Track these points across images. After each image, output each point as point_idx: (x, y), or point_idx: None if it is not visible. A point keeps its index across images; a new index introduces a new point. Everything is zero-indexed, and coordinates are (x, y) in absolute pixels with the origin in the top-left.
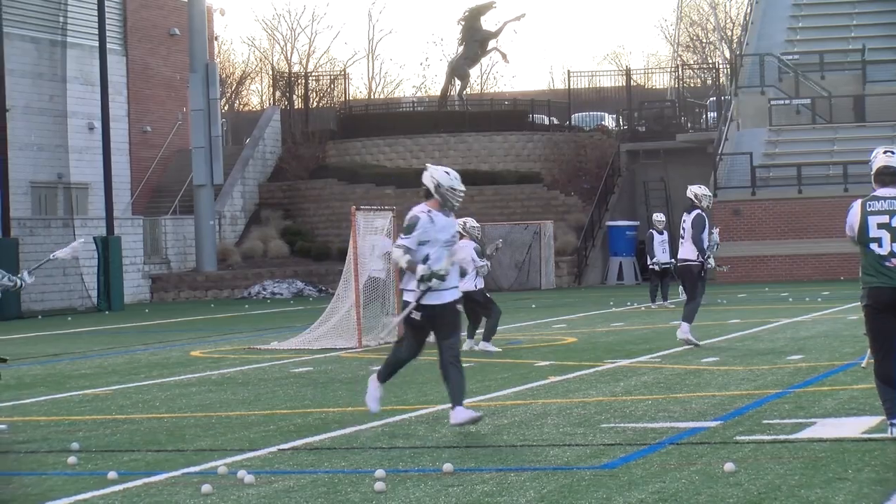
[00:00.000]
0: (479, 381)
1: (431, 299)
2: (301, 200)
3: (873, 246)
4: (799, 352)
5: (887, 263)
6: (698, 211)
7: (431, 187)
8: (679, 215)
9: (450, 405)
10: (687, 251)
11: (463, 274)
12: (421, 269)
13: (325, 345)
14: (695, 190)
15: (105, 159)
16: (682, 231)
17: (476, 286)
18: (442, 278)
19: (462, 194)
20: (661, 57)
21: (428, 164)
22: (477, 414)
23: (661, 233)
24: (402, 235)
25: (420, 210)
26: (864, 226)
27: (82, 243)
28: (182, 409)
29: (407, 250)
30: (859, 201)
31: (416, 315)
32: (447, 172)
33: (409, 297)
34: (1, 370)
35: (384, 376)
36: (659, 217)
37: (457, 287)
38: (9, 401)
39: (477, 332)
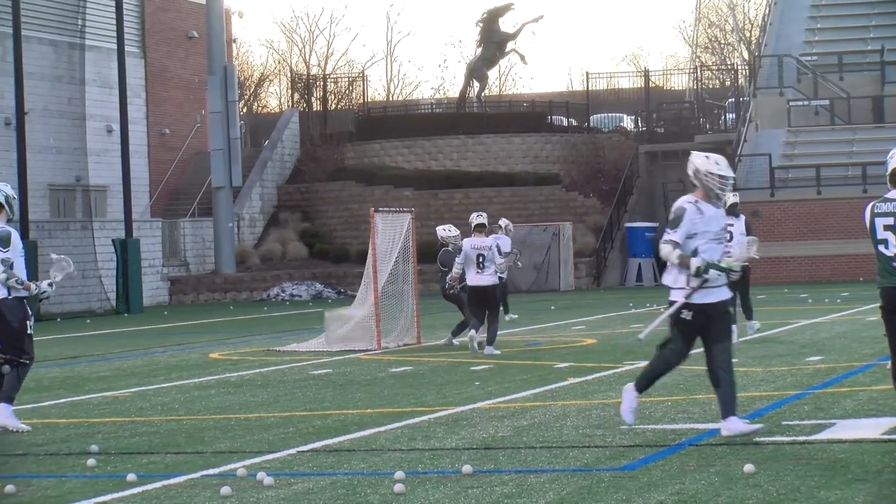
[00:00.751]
0: (498, 382)
1: (703, 297)
2: (319, 202)
3: (881, 247)
4: (818, 353)
5: (894, 264)
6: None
7: (691, 174)
8: None
9: (720, 417)
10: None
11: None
12: (696, 262)
13: (345, 346)
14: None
15: (123, 162)
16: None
17: (501, 279)
18: (724, 270)
19: (728, 181)
20: (679, 58)
21: (692, 151)
22: (756, 427)
23: None
24: (668, 230)
25: (686, 201)
26: (872, 227)
27: (59, 258)
28: (201, 411)
29: (675, 245)
30: (871, 203)
31: (687, 315)
32: (707, 157)
33: (678, 296)
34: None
35: (643, 385)
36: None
37: (726, 285)
38: (28, 403)
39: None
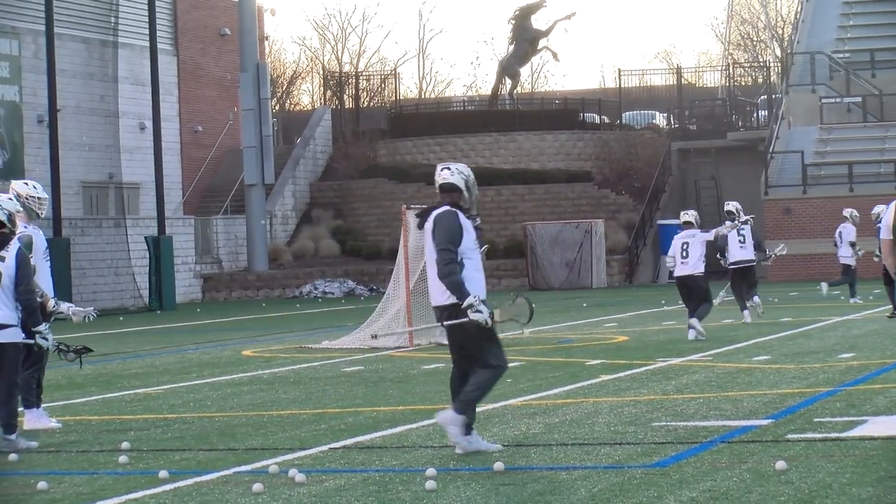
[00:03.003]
0: (529, 379)
1: None
2: (352, 200)
3: None
4: (850, 350)
5: None
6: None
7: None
8: None
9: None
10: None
11: None
12: None
13: (377, 343)
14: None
15: (156, 159)
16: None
17: None
18: None
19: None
20: (711, 55)
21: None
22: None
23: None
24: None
25: None
26: None
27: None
28: (233, 408)
29: None
30: (895, 201)
31: None
32: (26, 183)
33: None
34: (83, 361)
35: None
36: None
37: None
38: (60, 400)
39: None
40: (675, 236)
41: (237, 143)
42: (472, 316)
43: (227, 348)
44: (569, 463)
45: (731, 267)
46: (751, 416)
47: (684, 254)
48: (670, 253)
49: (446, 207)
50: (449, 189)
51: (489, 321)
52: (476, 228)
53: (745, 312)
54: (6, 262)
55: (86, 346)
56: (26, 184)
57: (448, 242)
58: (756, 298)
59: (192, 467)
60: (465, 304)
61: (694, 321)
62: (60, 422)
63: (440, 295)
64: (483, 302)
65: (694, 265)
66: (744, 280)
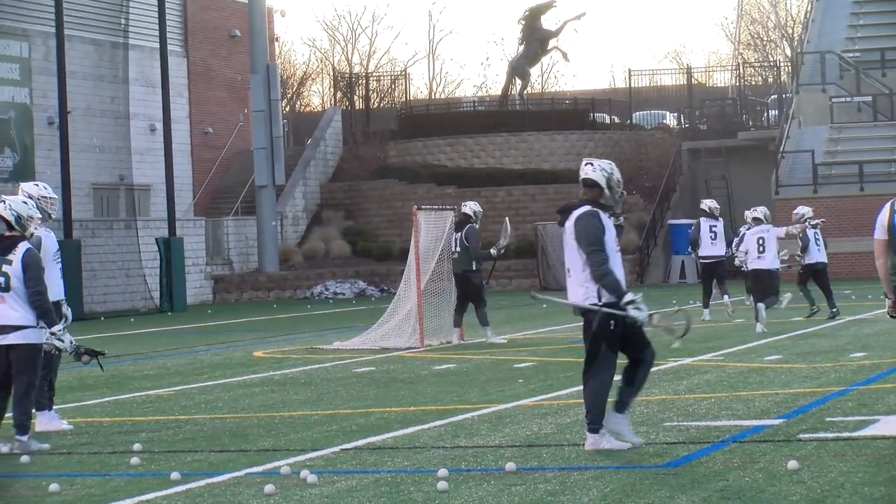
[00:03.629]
0: (541, 379)
1: None
2: (362, 200)
3: None
4: (862, 349)
5: None
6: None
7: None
8: (742, 214)
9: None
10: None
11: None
12: None
13: (387, 344)
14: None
15: (167, 161)
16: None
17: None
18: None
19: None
20: (721, 55)
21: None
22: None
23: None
24: None
25: None
26: (892, 225)
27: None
28: (245, 409)
29: None
30: (892, 201)
31: None
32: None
33: None
34: (101, 362)
35: None
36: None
37: None
38: (72, 402)
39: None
40: (747, 232)
41: (247, 145)
42: (632, 313)
43: (238, 349)
44: (580, 463)
45: (701, 262)
46: (762, 415)
47: (761, 249)
48: (743, 248)
49: (587, 207)
50: (590, 185)
51: (647, 321)
52: (618, 227)
53: (706, 311)
54: (13, 266)
55: (97, 349)
56: (36, 184)
57: (592, 244)
58: (727, 298)
59: (204, 469)
60: (625, 300)
61: (761, 307)
62: (72, 423)
63: (577, 294)
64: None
65: (771, 261)
66: (713, 275)
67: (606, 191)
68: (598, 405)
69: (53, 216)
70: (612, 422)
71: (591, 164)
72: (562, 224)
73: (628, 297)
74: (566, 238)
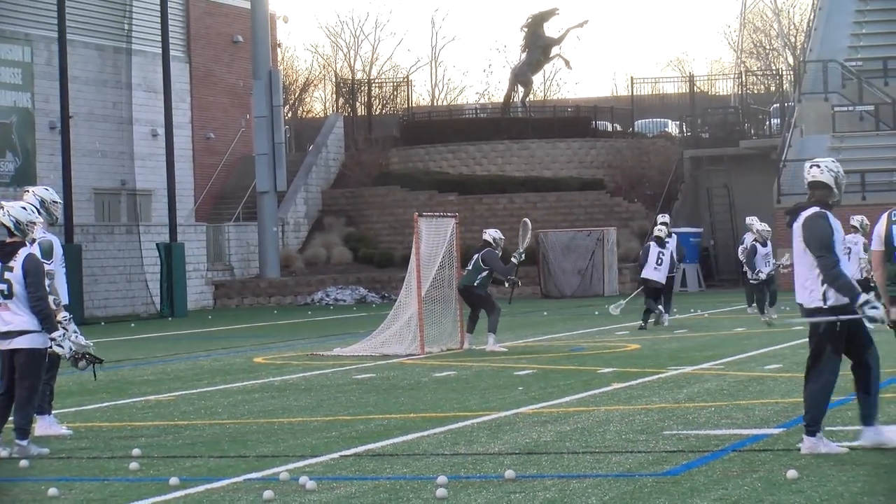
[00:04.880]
0: (541, 387)
1: None
2: (364, 207)
3: None
4: None
5: None
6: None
7: None
8: (744, 222)
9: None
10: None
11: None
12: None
13: (388, 351)
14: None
15: (168, 166)
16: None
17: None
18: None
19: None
20: (724, 63)
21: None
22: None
23: (764, 244)
24: None
25: None
26: (889, 236)
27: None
28: (244, 415)
29: None
30: (890, 210)
31: None
32: (46, 189)
33: None
34: (96, 371)
35: None
36: (765, 227)
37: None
38: (71, 407)
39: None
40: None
41: (249, 150)
42: (870, 313)
43: (238, 355)
44: (580, 471)
45: (645, 282)
46: (762, 424)
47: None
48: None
49: (815, 209)
50: (818, 186)
51: (885, 319)
52: None
53: (646, 324)
54: (14, 272)
55: (96, 356)
56: (47, 189)
57: (823, 248)
58: (665, 317)
59: (203, 474)
60: (860, 301)
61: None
62: (71, 428)
63: (804, 295)
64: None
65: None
66: (656, 294)
67: (835, 189)
68: (819, 406)
69: (57, 220)
70: (869, 436)
71: (818, 166)
72: (790, 225)
73: (862, 297)
74: (794, 240)
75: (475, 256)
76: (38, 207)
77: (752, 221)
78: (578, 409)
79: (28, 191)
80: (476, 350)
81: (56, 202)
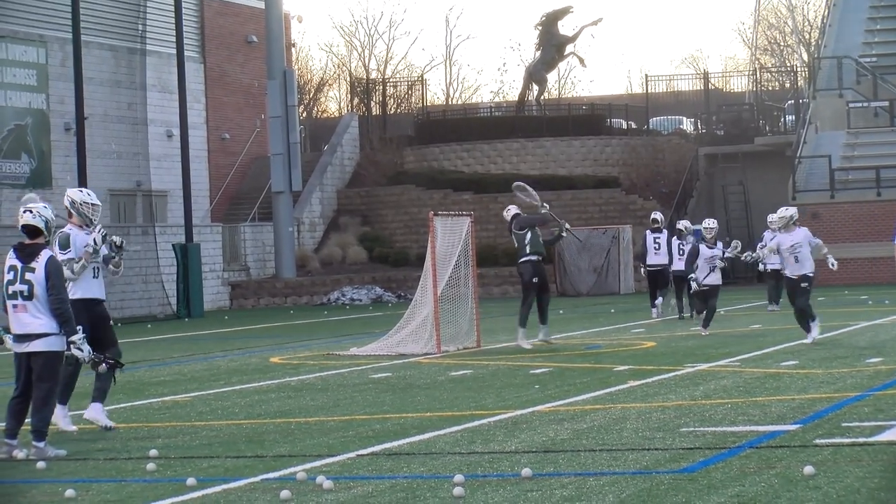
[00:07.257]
0: (558, 385)
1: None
2: (379, 206)
3: None
4: (878, 354)
5: None
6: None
7: (67, 205)
8: (759, 219)
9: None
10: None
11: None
12: None
13: (404, 350)
14: None
15: (184, 167)
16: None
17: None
18: None
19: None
20: (738, 60)
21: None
22: None
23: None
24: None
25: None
26: None
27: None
28: (261, 415)
29: None
30: None
31: None
32: (80, 190)
33: None
34: (115, 376)
35: None
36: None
37: None
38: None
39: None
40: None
41: (264, 151)
42: None
43: (254, 355)
44: (597, 469)
45: (649, 269)
46: (779, 421)
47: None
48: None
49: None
50: None
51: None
52: None
53: (654, 311)
54: (36, 273)
55: (117, 360)
56: (81, 191)
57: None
58: (659, 300)
59: (220, 474)
60: None
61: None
62: (88, 430)
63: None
64: None
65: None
66: (658, 280)
67: None
68: None
69: (95, 222)
70: None
71: None
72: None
73: None
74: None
75: (512, 235)
76: (69, 208)
77: (774, 219)
78: (595, 407)
79: (66, 193)
80: (493, 349)
81: (87, 203)
